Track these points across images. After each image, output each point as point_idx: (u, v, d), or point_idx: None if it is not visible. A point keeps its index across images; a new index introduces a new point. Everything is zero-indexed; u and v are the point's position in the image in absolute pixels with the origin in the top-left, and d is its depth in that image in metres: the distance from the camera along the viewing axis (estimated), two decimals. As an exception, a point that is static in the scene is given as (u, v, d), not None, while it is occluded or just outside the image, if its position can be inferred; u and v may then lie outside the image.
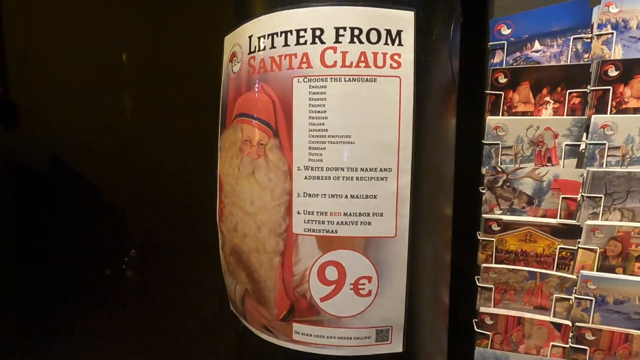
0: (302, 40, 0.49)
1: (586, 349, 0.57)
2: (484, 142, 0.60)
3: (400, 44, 0.49)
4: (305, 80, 0.49)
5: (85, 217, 1.17)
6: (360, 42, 0.49)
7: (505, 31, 0.59)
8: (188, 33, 0.96)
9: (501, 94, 0.59)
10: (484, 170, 0.61)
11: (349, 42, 0.49)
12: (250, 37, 0.53)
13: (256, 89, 0.53)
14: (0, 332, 1.22)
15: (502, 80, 0.59)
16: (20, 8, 1.19)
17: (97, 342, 1.17)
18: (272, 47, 0.51)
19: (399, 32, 0.49)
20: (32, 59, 1.18)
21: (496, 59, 0.60)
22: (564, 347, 0.59)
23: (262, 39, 0.52)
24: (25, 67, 1.20)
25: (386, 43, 0.49)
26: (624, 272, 0.55)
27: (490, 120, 0.59)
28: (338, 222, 0.51)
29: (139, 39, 1.03)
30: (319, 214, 0.51)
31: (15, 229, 1.24)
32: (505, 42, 0.59)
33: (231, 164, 0.57)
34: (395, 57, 0.49)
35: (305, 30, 0.49)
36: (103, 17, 1.06)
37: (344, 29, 0.48)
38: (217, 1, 0.62)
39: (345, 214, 0.51)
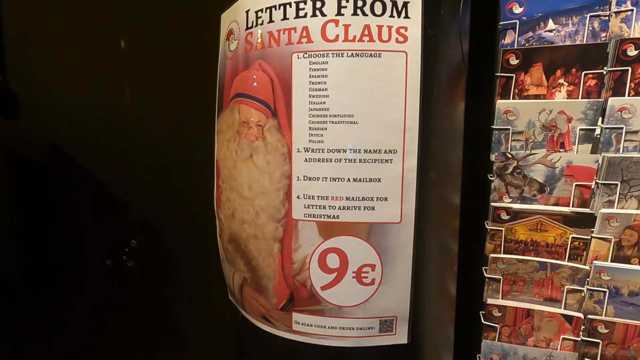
0: (301, 13, 0.47)
1: (598, 342, 0.55)
2: (494, 127, 0.58)
3: (406, 17, 0.46)
4: (305, 56, 0.47)
5: (85, 207, 1.16)
6: (364, 14, 0.46)
7: (517, 10, 0.57)
8: (188, 18, 0.93)
9: (512, 76, 0.56)
10: (493, 157, 0.59)
11: (352, 15, 0.46)
12: (247, 11, 0.51)
13: (254, 67, 0.50)
14: (1, 323, 1.22)
15: (514, 61, 0.56)
16: (19, -4, 1.17)
17: (98, 333, 1.17)
18: (270, 21, 0.48)
19: (405, 4, 0.46)
20: (32, 47, 1.17)
21: (507, 40, 0.58)
22: (575, 340, 0.57)
23: (259, 12, 0.49)
24: (25, 56, 1.19)
25: (392, 15, 0.46)
26: (640, 263, 0.53)
27: (501, 104, 0.57)
28: (340, 207, 0.49)
29: (138, 24, 1.01)
30: (319, 198, 0.49)
31: (15, 219, 1.24)
32: (517, 22, 0.57)
33: (228, 147, 0.55)
34: (402, 31, 0.47)
35: (305, 2, 0.46)
36: (101, 4, 1.04)
37: (347, -1, 0.46)
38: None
39: (347, 199, 0.49)
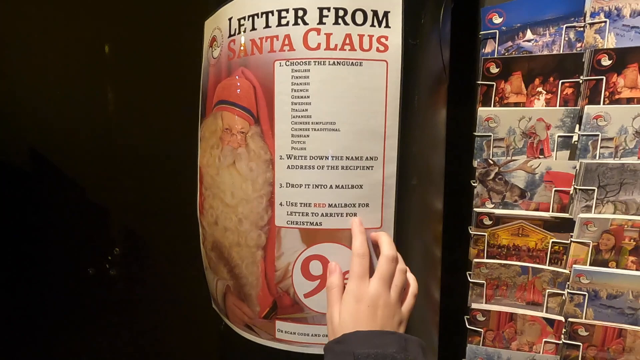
0: (284, 22, 0.47)
1: (579, 345, 0.56)
2: (476, 133, 0.59)
3: (387, 26, 0.47)
4: (288, 63, 0.47)
5: (66, 215, 1.14)
6: (345, 23, 0.46)
7: (497, 20, 0.58)
8: (172, 24, 0.93)
9: (493, 85, 0.57)
10: (475, 163, 0.59)
11: (334, 24, 0.46)
12: (230, 19, 0.51)
13: (236, 74, 0.50)
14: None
15: (494, 70, 0.58)
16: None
17: (80, 342, 1.14)
18: (253, 29, 0.48)
19: (386, 14, 0.47)
20: (13, 51, 1.14)
21: (487, 49, 0.59)
22: (556, 343, 0.58)
23: (242, 20, 0.49)
24: (5, 60, 1.16)
25: (372, 25, 0.47)
26: (617, 266, 0.54)
27: (482, 111, 0.58)
28: (322, 213, 0.49)
29: (122, 30, 1.00)
30: (302, 205, 0.49)
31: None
32: (497, 31, 0.58)
33: (211, 154, 0.54)
34: (382, 40, 0.47)
35: (287, 10, 0.46)
36: (85, 9, 1.03)
37: (328, 9, 0.46)
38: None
39: (330, 205, 0.49)
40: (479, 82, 0.58)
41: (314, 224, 0.49)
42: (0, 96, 1.15)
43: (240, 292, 0.54)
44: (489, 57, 0.58)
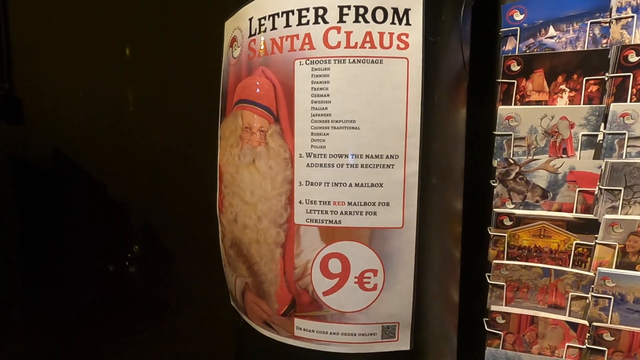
0: (304, 20, 0.47)
1: (604, 350, 0.55)
2: (496, 132, 0.58)
3: (407, 24, 0.47)
4: (308, 62, 0.48)
5: (88, 212, 1.17)
6: (366, 21, 0.47)
7: (518, 17, 0.57)
8: (192, 25, 0.95)
9: (514, 83, 0.57)
10: (495, 163, 0.59)
11: (354, 22, 0.47)
12: (250, 19, 0.52)
13: (257, 74, 0.51)
14: (4, 329, 1.22)
15: (515, 67, 0.57)
16: (26, 3, 1.19)
17: (100, 338, 1.16)
18: (273, 28, 0.49)
19: (406, 11, 0.47)
20: (37, 54, 1.18)
21: (508, 46, 0.58)
22: (580, 348, 0.56)
23: (262, 20, 0.50)
24: (31, 63, 1.20)
25: (393, 22, 0.47)
26: (645, 269, 0.52)
27: (502, 110, 0.57)
28: (342, 212, 0.49)
29: (142, 32, 1.03)
30: (321, 203, 0.49)
31: (18, 224, 1.24)
32: (518, 28, 0.57)
33: (231, 152, 0.55)
34: (403, 38, 0.47)
35: (307, 9, 0.47)
36: (107, 12, 1.06)
37: (348, 7, 0.46)
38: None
39: (349, 204, 0.49)
40: (499, 80, 0.57)
41: (333, 222, 0.49)
42: (27, 100, 1.19)
43: (259, 289, 0.54)
44: (510, 54, 0.57)
